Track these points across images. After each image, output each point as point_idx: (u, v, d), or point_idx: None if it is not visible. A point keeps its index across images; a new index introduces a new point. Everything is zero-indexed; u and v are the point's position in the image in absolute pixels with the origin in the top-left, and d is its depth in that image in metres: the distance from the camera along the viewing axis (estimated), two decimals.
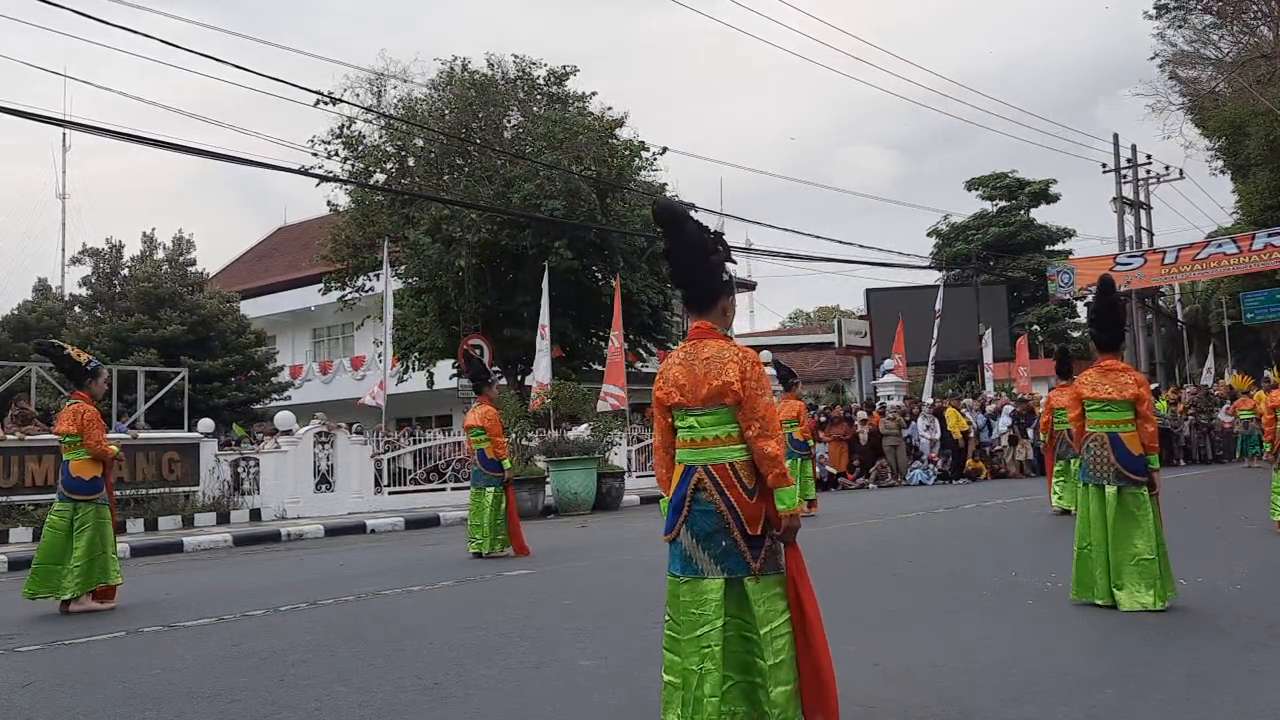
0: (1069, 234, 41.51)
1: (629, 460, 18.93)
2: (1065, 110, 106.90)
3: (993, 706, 3.98)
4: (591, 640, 5.45)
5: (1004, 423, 20.49)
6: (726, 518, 3.28)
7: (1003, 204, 41.38)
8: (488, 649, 5.27)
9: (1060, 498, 11.14)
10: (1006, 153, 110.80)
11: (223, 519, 14.45)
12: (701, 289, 3.51)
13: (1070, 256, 36.45)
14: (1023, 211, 41.08)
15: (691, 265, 3.49)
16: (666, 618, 3.44)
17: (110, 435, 8.52)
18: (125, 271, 26.92)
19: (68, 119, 17.26)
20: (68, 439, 7.35)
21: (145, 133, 15.38)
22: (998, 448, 20.40)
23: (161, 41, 14.42)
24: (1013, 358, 28.75)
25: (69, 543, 7.16)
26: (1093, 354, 6.42)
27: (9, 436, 13.33)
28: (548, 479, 15.59)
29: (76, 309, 27.09)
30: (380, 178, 23.08)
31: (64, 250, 34.07)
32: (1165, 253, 31.64)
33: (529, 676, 4.67)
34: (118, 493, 9.69)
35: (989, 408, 21.18)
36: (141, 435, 14.95)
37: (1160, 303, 37.53)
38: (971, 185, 42.28)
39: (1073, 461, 10.85)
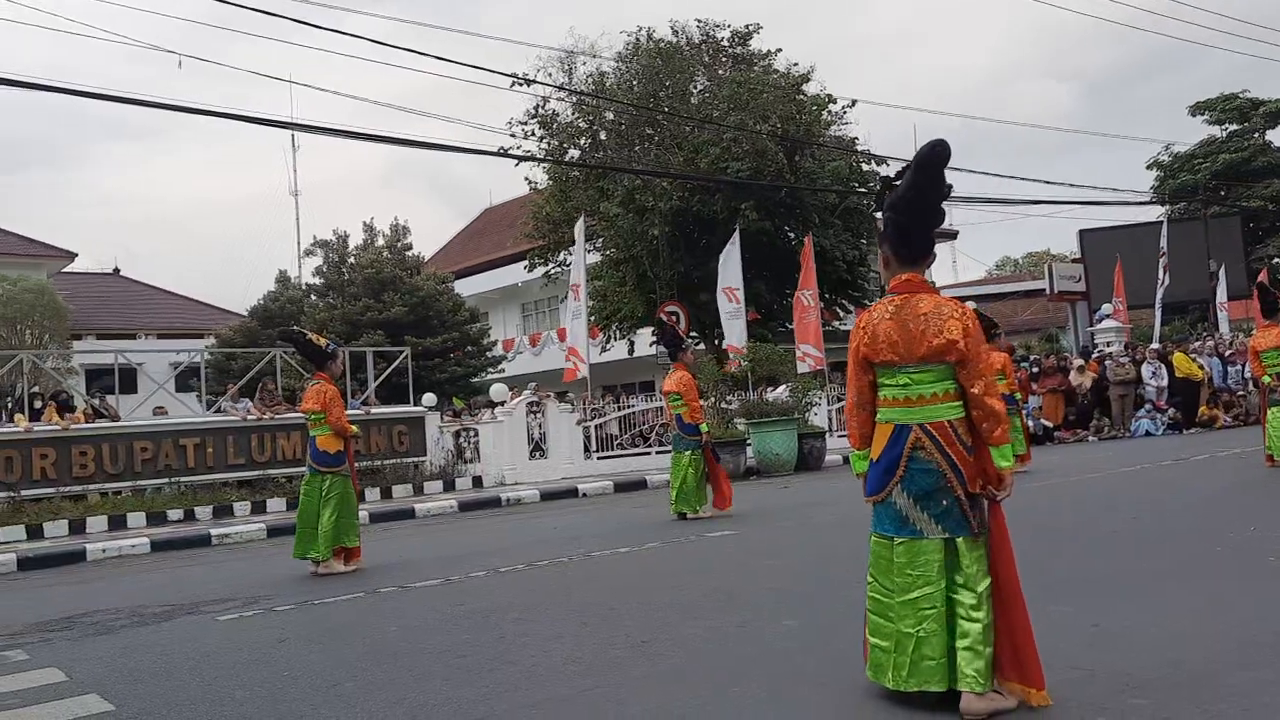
0: None
1: (829, 420, 18.74)
2: None
3: (1226, 670, 3.70)
4: (793, 600, 5.51)
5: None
6: (949, 476, 3.23)
7: (1233, 128, 37.60)
8: (693, 608, 5.43)
9: (1271, 447, 10.16)
10: (1235, 72, 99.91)
11: (448, 486, 15.45)
12: (923, 239, 3.40)
13: None
14: (1257, 135, 37.19)
15: (929, 214, 3.37)
16: (870, 579, 3.41)
17: (348, 412, 9.28)
18: (351, 259, 28.88)
19: (292, 121, 18.73)
20: (314, 416, 8.07)
21: (359, 129, 16.47)
22: (1240, 393, 18.80)
23: (371, 41, 15.50)
24: (1250, 295, 26.31)
25: (320, 509, 7.87)
26: None
27: (263, 416, 14.74)
28: (749, 441, 15.69)
29: (312, 296, 29.24)
30: (574, 153, 23.67)
31: (299, 243, 36.92)
32: None
33: (733, 635, 4.78)
34: (357, 464, 10.54)
35: (1225, 351, 19.51)
36: (374, 411, 16.16)
37: None
38: (1197, 110, 38.61)
39: (1271, 410, 9.98)
